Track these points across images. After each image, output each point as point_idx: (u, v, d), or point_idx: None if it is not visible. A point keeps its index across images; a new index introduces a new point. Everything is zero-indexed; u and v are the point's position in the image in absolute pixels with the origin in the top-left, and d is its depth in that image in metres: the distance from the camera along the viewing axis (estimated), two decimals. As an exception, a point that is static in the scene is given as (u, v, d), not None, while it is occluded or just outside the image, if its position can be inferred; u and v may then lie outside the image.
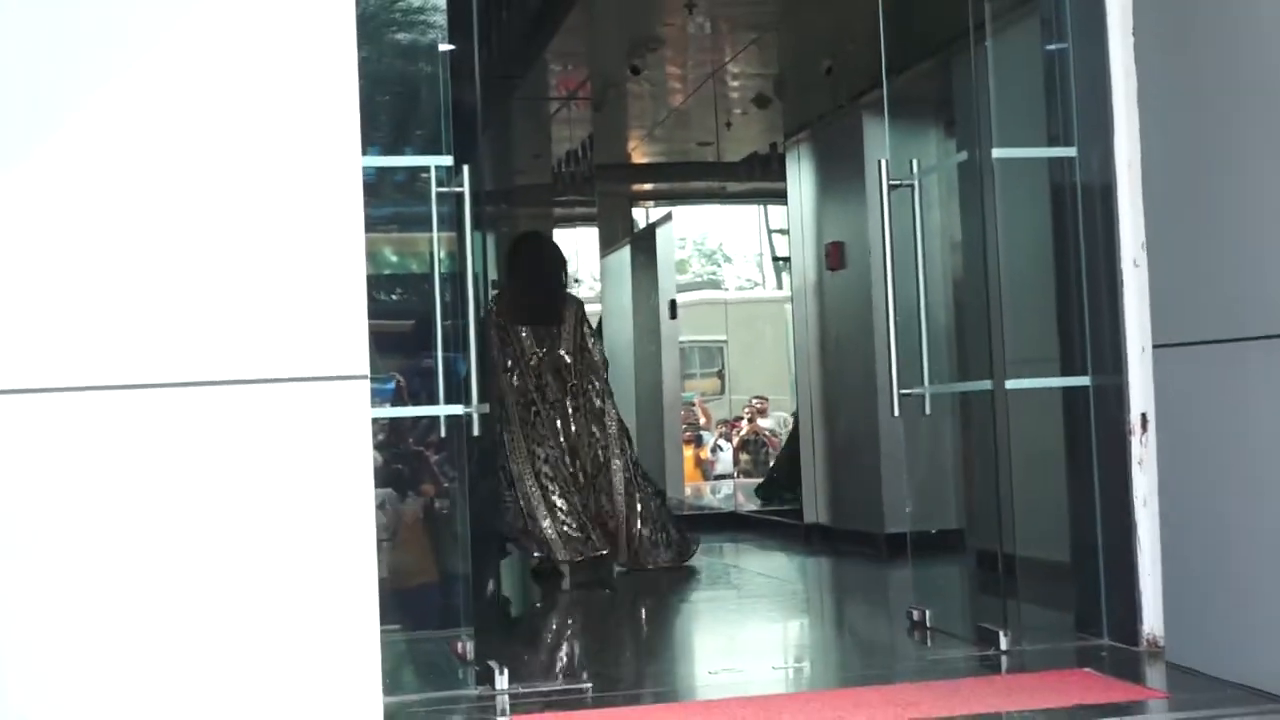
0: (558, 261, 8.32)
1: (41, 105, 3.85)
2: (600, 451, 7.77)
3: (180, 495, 3.85)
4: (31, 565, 3.76)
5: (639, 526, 7.71)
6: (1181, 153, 4.51)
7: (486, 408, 4.59)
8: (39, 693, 3.74)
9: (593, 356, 7.90)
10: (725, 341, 12.88)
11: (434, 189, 4.54)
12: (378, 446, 5.12)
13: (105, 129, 3.88)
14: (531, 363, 7.75)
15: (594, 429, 7.78)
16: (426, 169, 4.58)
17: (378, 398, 5.29)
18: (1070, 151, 4.95)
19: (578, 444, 7.73)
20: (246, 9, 3.98)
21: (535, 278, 7.96)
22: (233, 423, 3.90)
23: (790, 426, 11.33)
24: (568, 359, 7.80)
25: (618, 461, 7.74)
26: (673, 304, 12.56)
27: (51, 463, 3.79)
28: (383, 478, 5.66)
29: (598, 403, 7.83)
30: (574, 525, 7.53)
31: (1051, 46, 5.05)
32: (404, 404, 5.44)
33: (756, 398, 12.51)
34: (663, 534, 7.85)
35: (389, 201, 5.30)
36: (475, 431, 4.55)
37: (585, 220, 12.88)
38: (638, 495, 7.75)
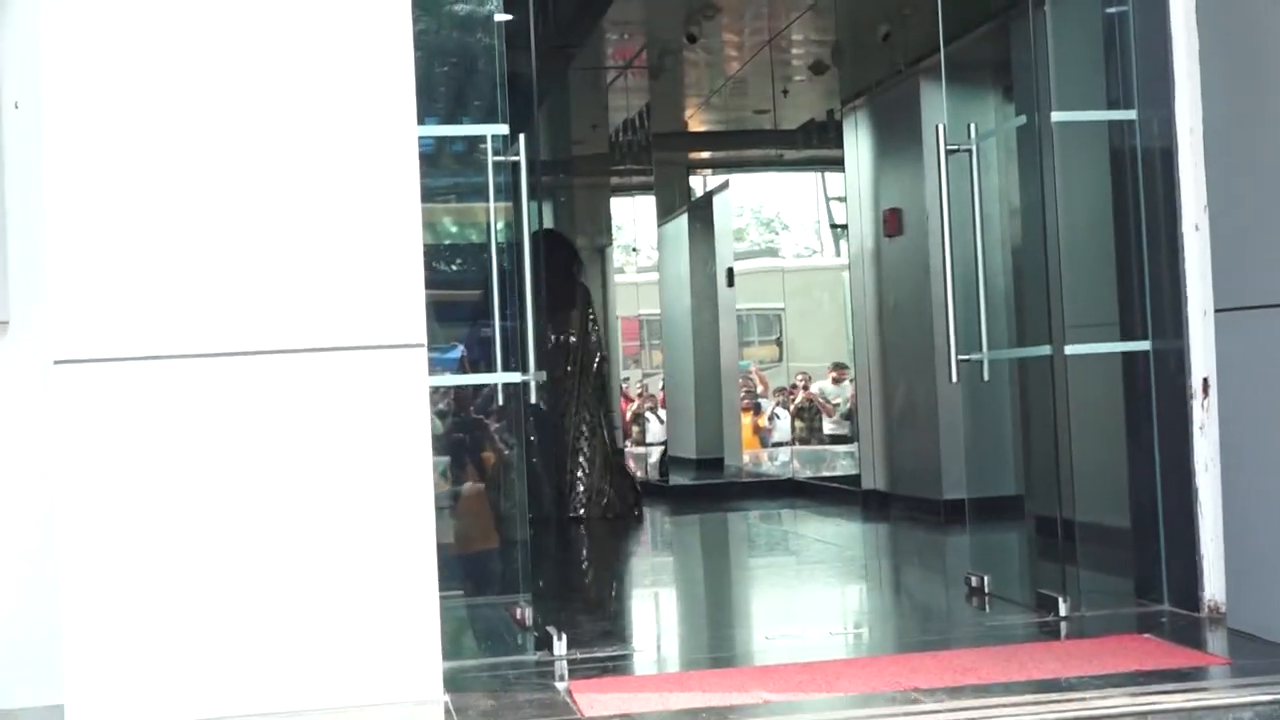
0: (569, 253, 9.68)
1: (111, 88, 3.92)
2: (581, 425, 9.17)
3: (244, 462, 3.91)
4: (109, 526, 3.83)
5: (607, 486, 9.32)
6: (1244, 115, 4.46)
7: (544, 375, 4.61)
8: (112, 645, 3.82)
9: (590, 342, 9.19)
10: (783, 309, 12.86)
11: (490, 158, 4.56)
12: (439, 414, 5.17)
13: (178, 112, 3.93)
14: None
15: (575, 404, 9.16)
16: (484, 139, 4.60)
17: (438, 366, 5.33)
18: (1130, 114, 4.90)
19: (564, 419, 9.12)
20: (304, -20, 4.02)
21: (551, 267, 8.76)
22: (296, 391, 3.96)
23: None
24: (574, 340, 9.10)
25: (587, 429, 9.21)
26: (730, 272, 12.55)
27: (127, 428, 3.86)
28: (444, 444, 5.71)
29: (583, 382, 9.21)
30: None
31: (1111, 9, 4.99)
32: (466, 372, 5.49)
33: (835, 365, 12.45)
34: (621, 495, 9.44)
35: (447, 172, 5.32)
36: (533, 399, 4.58)
37: (642, 189, 12.88)
38: (599, 462, 9.29)
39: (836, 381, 12.52)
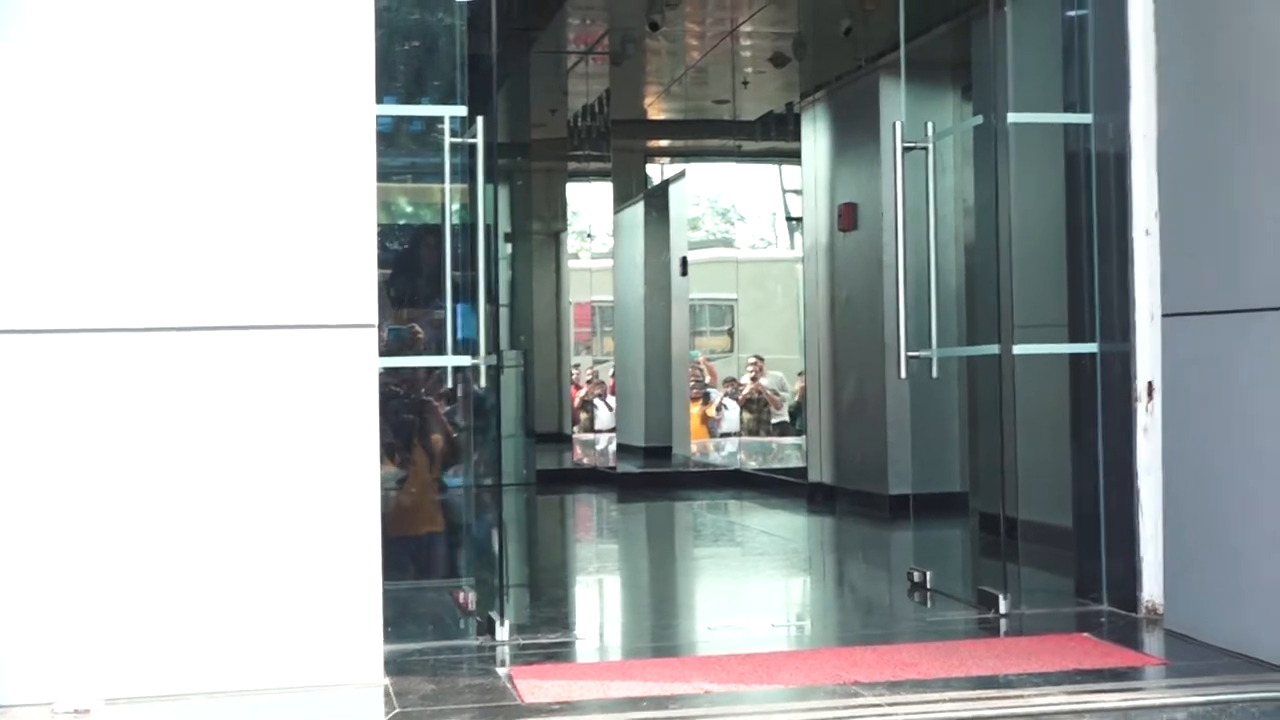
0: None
1: (66, 58, 3.87)
2: None
3: (185, 440, 3.88)
4: (44, 503, 3.79)
5: None
6: (1199, 123, 4.50)
7: (494, 359, 4.60)
8: (45, 623, 3.78)
9: None
10: (735, 300, 12.89)
11: (447, 139, 4.54)
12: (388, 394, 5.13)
13: (121, 80, 3.89)
14: None
15: None
16: (442, 120, 4.57)
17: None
18: (1086, 118, 4.93)
19: None
20: (263, -46, 3.98)
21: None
22: (241, 369, 3.92)
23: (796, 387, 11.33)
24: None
25: None
26: (684, 261, 12.57)
27: (64, 403, 3.82)
28: (391, 426, 5.68)
29: None
30: None
31: (1071, 12, 5.03)
32: (418, 354, 5.46)
33: (754, 357, 12.53)
34: None
35: (403, 151, 5.29)
36: (483, 382, 4.57)
37: (600, 175, 12.87)
38: None
39: (759, 373, 12.55)
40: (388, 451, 5.50)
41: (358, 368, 3.99)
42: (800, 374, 10.73)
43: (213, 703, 3.79)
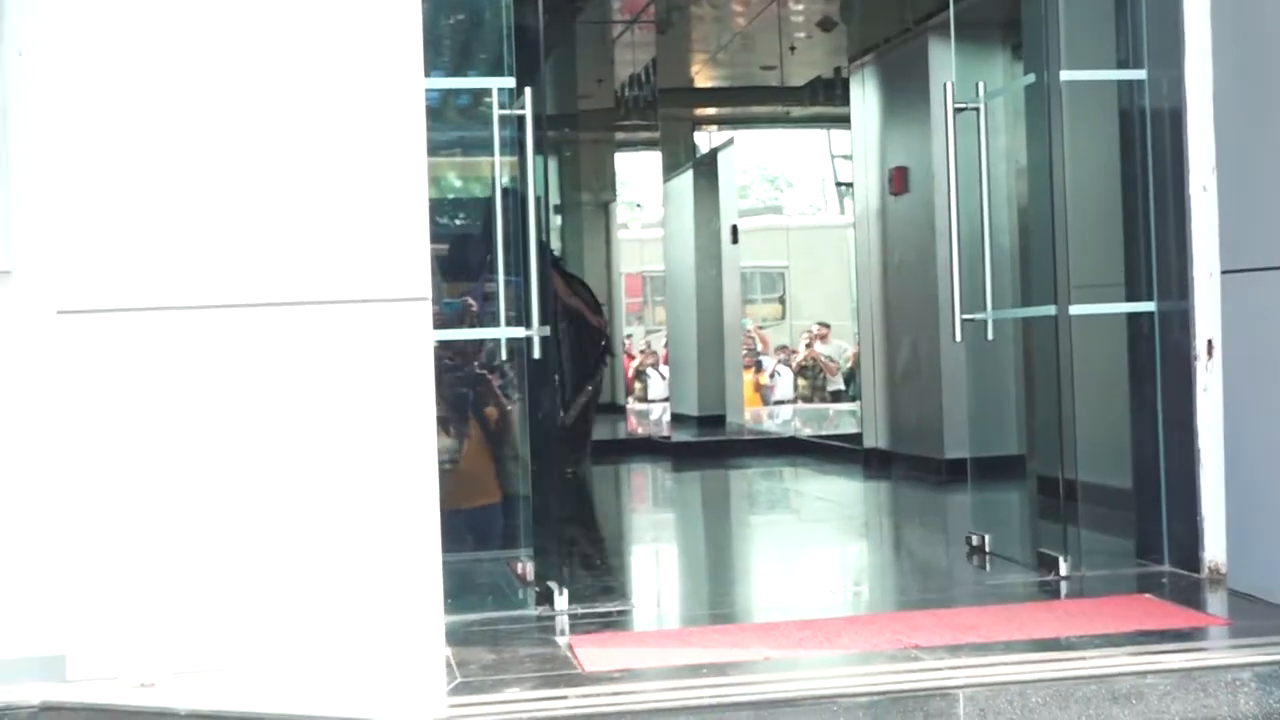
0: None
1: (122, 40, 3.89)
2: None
3: (247, 415, 3.91)
4: (113, 476, 3.84)
5: None
6: (1255, 75, 4.43)
7: (547, 330, 4.61)
8: (116, 596, 3.83)
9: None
10: (787, 267, 12.84)
11: (496, 111, 4.54)
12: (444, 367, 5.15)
13: (183, 61, 3.91)
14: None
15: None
16: (489, 92, 4.57)
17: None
18: (1140, 74, 4.87)
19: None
20: (309, -70, 3.99)
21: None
22: (300, 343, 3.95)
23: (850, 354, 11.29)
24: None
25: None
26: (734, 229, 12.53)
27: (131, 379, 3.86)
28: (447, 399, 5.71)
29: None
30: None
31: (1122, -34, 4.96)
32: (472, 326, 5.48)
33: (819, 324, 12.47)
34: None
35: (452, 125, 5.30)
36: (536, 354, 4.58)
37: (648, 144, 12.83)
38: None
39: (821, 339, 12.48)
40: (443, 424, 5.53)
41: (413, 340, 4.00)
42: (855, 339, 10.69)
43: (277, 674, 3.83)
